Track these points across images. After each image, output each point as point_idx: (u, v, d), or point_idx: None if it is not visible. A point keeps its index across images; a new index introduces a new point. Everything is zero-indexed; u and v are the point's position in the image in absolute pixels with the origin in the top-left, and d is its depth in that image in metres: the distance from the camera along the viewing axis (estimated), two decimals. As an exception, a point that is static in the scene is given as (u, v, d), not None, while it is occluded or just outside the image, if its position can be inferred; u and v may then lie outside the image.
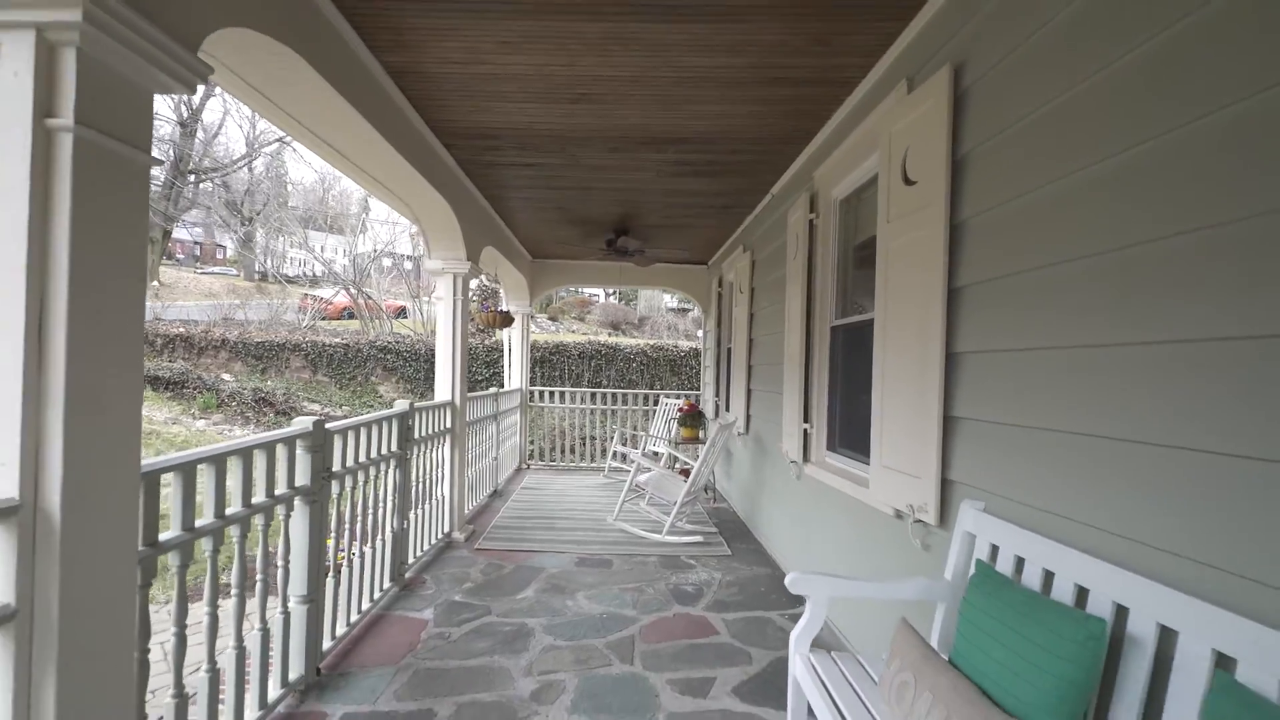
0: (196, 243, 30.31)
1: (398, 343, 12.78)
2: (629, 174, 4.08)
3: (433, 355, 12.22)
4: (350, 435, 2.63)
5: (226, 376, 11.61)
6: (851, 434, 3.00)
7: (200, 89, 1.56)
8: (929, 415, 2.01)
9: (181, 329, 12.64)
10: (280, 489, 2.12)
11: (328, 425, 2.42)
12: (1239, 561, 1.06)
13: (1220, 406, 1.10)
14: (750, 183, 4.20)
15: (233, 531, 1.88)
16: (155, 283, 19.29)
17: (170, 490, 1.60)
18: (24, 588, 1.18)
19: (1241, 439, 1.06)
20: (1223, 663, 1.04)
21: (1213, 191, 1.12)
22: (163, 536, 1.56)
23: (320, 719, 2.14)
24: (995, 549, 1.66)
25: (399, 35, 2.38)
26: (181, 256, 28.55)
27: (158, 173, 18.28)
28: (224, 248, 31.53)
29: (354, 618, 2.76)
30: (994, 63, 1.78)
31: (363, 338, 13.30)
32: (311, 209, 25.52)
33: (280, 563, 2.18)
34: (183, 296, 19.71)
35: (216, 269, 27.76)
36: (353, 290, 17.27)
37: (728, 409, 5.95)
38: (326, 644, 2.48)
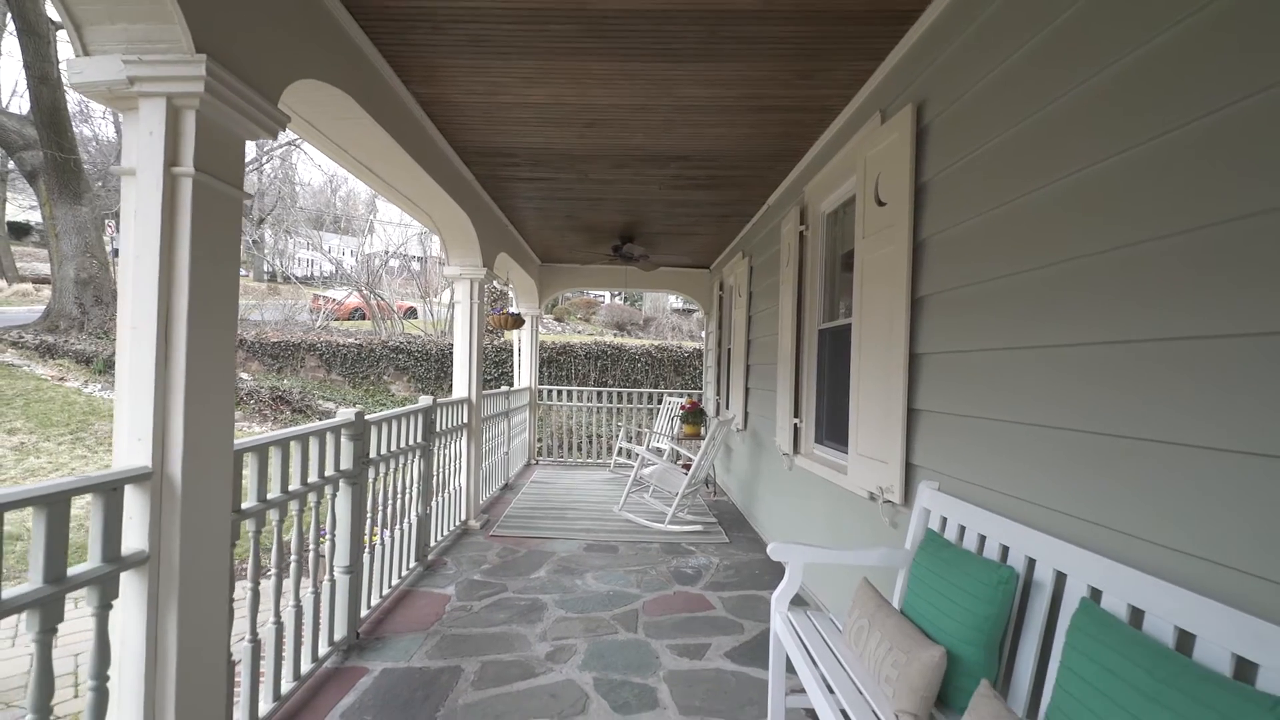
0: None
1: (409, 343, 13.13)
2: (634, 187, 4.39)
3: (443, 355, 12.61)
4: (385, 426, 2.94)
5: (244, 375, 11.98)
6: (835, 427, 3.29)
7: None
8: (895, 408, 2.31)
9: (200, 329, 12.99)
10: (329, 471, 2.43)
11: (366, 417, 2.73)
12: (1108, 516, 1.35)
13: (1113, 398, 1.39)
14: (747, 195, 4.50)
15: (292, 506, 2.19)
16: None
17: (248, 468, 1.92)
18: (154, 538, 1.49)
19: (1122, 424, 1.35)
20: (1095, 596, 1.33)
21: (1127, 218, 1.35)
22: (244, 505, 1.87)
23: (363, 673, 2.45)
24: (944, 520, 1.95)
25: (431, 72, 2.70)
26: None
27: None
28: (235, 249, 31.96)
29: (385, 591, 3.07)
30: (947, 106, 2.08)
31: (375, 338, 13.65)
32: (320, 210, 25.96)
33: (328, 536, 2.50)
34: (197, 297, 20.08)
35: (228, 270, 28.16)
36: (365, 291, 17.64)
37: (727, 406, 6.24)
38: (364, 612, 2.80)
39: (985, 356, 1.85)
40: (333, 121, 2.53)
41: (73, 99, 11.82)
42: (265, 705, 2.04)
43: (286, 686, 2.17)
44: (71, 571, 1.30)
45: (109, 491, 1.38)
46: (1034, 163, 1.65)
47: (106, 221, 14.25)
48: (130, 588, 1.47)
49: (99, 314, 11.21)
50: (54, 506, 1.25)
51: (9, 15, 11.01)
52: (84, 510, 5.22)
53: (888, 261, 2.39)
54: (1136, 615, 1.21)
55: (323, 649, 2.44)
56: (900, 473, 2.28)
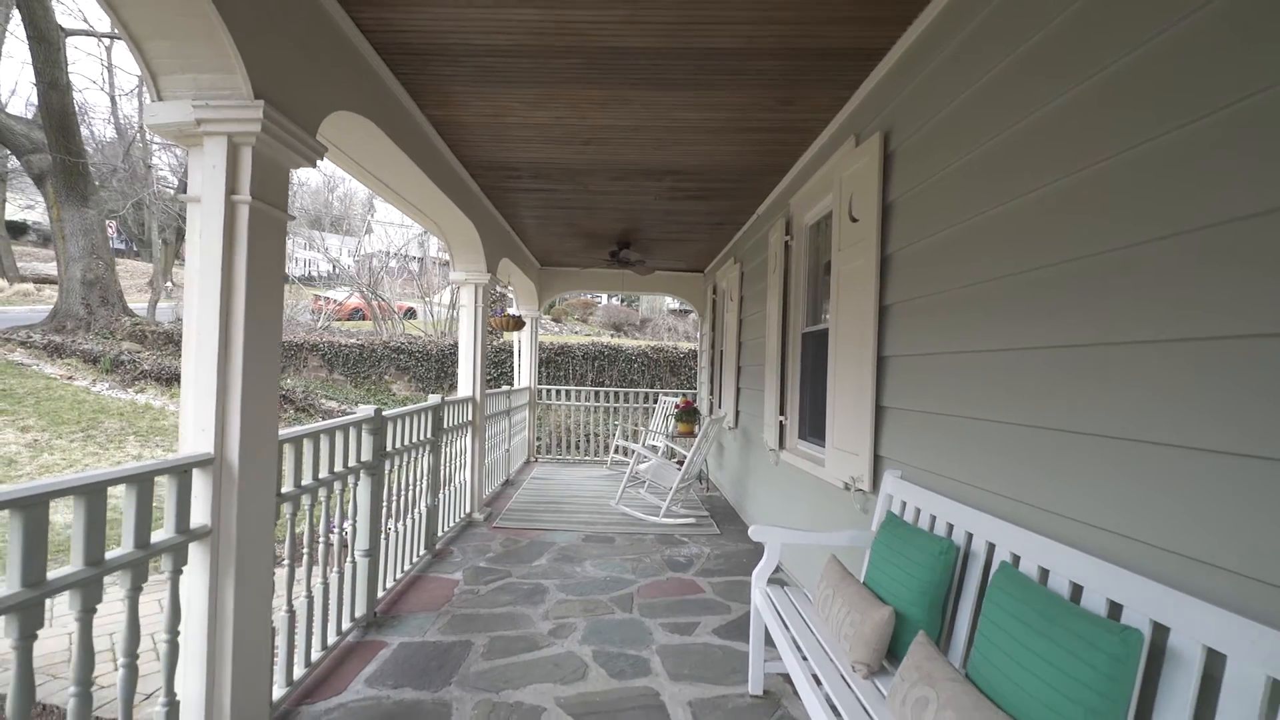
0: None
1: (410, 343, 13.34)
2: (631, 197, 4.64)
3: (444, 355, 12.83)
4: (400, 422, 3.18)
5: (247, 375, 12.18)
6: (816, 424, 3.54)
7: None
8: (865, 405, 2.56)
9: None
10: (352, 462, 2.66)
11: (384, 414, 2.97)
12: (1029, 494, 1.61)
13: (1051, 395, 1.64)
14: (738, 205, 4.75)
15: (321, 492, 2.42)
16: (169, 284, 19.89)
17: (287, 457, 2.15)
18: (215, 515, 1.73)
19: (1050, 417, 1.61)
20: (1015, 561, 1.58)
21: (1056, 242, 1.60)
22: (284, 489, 2.11)
23: (382, 646, 2.68)
24: (904, 504, 2.20)
25: (445, 97, 2.94)
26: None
27: (170, 176, 19.06)
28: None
29: (399, 576, 3.31)
30: (908, 136, 2.33)
31: (376, 338, 13.87)
32: (319, 210, 26.13)
33: (351, 522, 2.73)
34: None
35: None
36: (365, 292, 17.84)
37: (720, 405, 6.49)
38: (380, 593, 3.03)
39: (940, 359, 2.10)
40: (354, 143, 2.77)
41: (74, 100, 12.00)
42: (298, 670, 2.28)
43: (315, 655, 2.40)
44: (153, 539, 1.54)
45: (181, 473, 1.62)
46: (980, 190, 1.90)
47: (107, 222, 14.43)
48: (196, 557, 1.70)
49: (105, 314, 11.41)
50: (142, 485, 1.49)
51: (10, 13, 11.21)
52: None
53: (860, 273, 2.65)
54: (1044, 574, 1.46)
55: (345, 624, 2.67)
56: (869, 464, 2.53)
